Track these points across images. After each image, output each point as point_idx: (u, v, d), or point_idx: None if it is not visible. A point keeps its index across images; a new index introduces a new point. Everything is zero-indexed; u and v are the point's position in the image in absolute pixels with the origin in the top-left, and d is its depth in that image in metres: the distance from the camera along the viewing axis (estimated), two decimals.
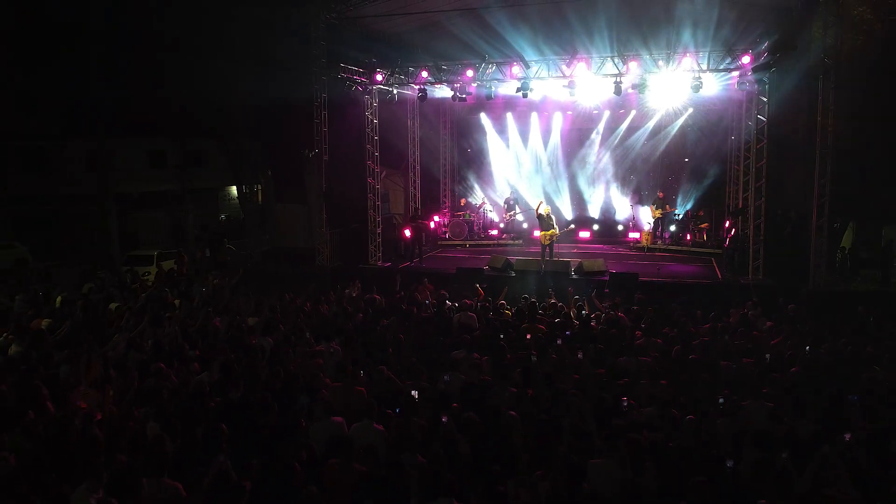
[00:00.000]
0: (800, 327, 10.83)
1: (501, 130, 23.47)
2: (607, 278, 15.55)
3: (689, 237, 20.52)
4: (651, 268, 16.99)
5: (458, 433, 6.16)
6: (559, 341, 9.42)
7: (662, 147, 21.56)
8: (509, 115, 22.92)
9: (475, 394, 7.55)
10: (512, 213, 22.63)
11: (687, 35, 15.18)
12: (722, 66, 15.08)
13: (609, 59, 15.67)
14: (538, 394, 7.51)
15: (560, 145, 23.03)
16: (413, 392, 7.28)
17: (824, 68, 13.94)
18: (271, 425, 6.70)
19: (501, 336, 10.10)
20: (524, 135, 23.25)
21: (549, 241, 17.17)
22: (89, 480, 4.85)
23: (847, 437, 5.90)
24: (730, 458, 5.62)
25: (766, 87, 15.21)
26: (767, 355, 8.90)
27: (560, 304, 12.65)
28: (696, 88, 15.27)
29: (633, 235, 21.25)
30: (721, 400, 7.17)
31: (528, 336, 10.01)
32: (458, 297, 13.34)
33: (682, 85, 16.01)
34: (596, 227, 22.69)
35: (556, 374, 8.17)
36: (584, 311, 12.14)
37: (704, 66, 15.15)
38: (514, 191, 23.22)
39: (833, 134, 14.15)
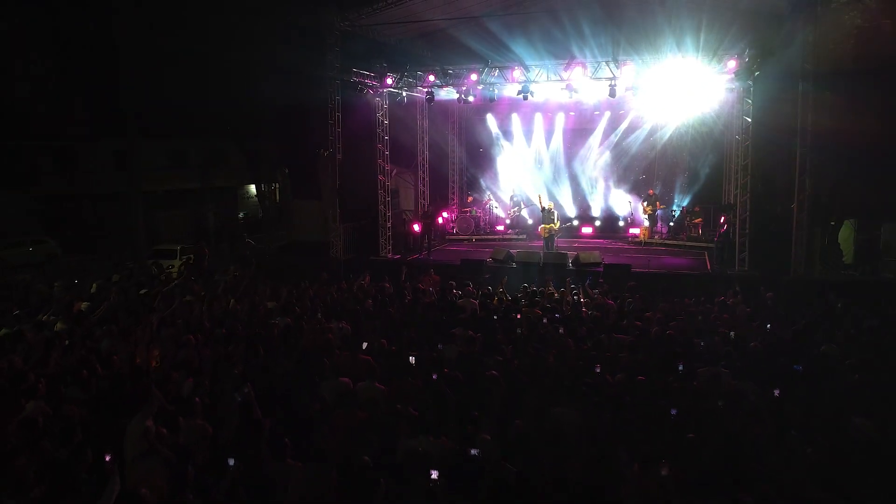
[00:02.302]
0: (772, 311, 11.80)
1: (507, 130, 24.55)
2: (602, 269, 16.56)
3: (683, 233, 21.43)
4: (645, 260, 17.97)
5: (446, 388, 7.23)
6: (545, 320, 10.47)
7: (660, 146, 22.50)
8: (514, 116, 23.97)
9: (468, 361, 8.64)
10: (517, 209, 23.69)
11: (678, 41, 16.08)
12: (710, 71, 15.99)
13: (604, 63, 16.67)
14: (522, 361, 8.56)
15: (563, 144, 24.06)
16: (411, 358, 8.37)
17: (803, 73, 14.83)
18: (288, 385, 7.84)
19: (495, 317, 11.18)
20: (528, 134, 24.30)
21: (547, 234, 18.20)
22: (142, 411, 6.00)
23: (776, 392, 6.90)
24: (674, 408, 6.63)
25: (751, 89, 16.11)
26: (732, 332, 9.88)
27: (554, 290, 13.71)
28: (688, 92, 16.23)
29: (634, 231, 22.23)
30: (680, 367, 8.17)
31: (519, 316, 11.06)
32: (463, 286, 14.42)
33: (675, 87, 16.96)
34: (598, 223, 23.65)
35: (540, 346, 9.21)
36: (577, 298, 13.17)
37: (694, 71, 16.07)
38: (519, 188, 24.26)
39: (812, 135, 15.05)
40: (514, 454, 5.76)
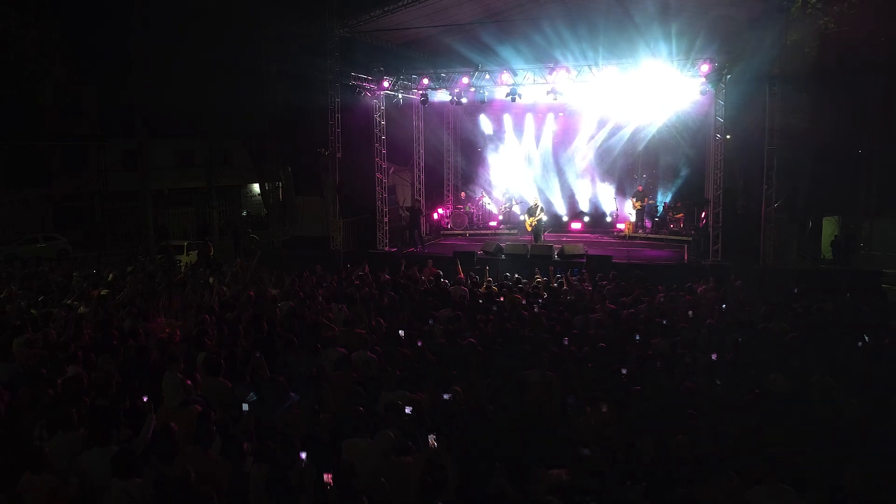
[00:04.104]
0: (736, 296, 12.90)
1: (499, 130, 25.64)
2: (584, 260, 17.67)
3: (664, 228, 22.51)
4: (627, 253, 19.04)
5: (428, 353, 8.35)
6: (524, 301, 11.61)
7: (644, 145, 23.54)
8: (506, 116, 25.05)
9: (452, 334, 9.75)
10: (509, 205, 24.78)
11: (654, 46, 17.17)
12: (685, 74, 17.06)
13: (587, 66, 17.74)
14: (500, 335, 9.67)
15: (552, 143, 25.13)
16: (400, 332, 9.48)
17: (771, 76, 15.92)
18: (291, 354, 8.95)
19: (480, 301, 12.31)
20: (519, 134, 25.37)
21: (530, 228, 19.49)
22: (172, 367, 7.13)
23: (713, 356, 8.02)
24: (623, 367, 7.75)
25: (723, 91, 17.18)
26: (690, 312, 10.99)
27: (538, 279, 14.82)
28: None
29: (620, 226, 23.36)
30: (637, 337, 9.29)
31: (501, 298, 12.20)
32: (454, 276, 15.53)
33: (654, 89, 18.06)
34: (586, 218, 24.76)
35: (517, 322, 10.33)
36: (561, 285, 14.27)
37: (670, 74, 17.13)
38: (512, 186, 25.35)
39: (781, 134, 16.15)
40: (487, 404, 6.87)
